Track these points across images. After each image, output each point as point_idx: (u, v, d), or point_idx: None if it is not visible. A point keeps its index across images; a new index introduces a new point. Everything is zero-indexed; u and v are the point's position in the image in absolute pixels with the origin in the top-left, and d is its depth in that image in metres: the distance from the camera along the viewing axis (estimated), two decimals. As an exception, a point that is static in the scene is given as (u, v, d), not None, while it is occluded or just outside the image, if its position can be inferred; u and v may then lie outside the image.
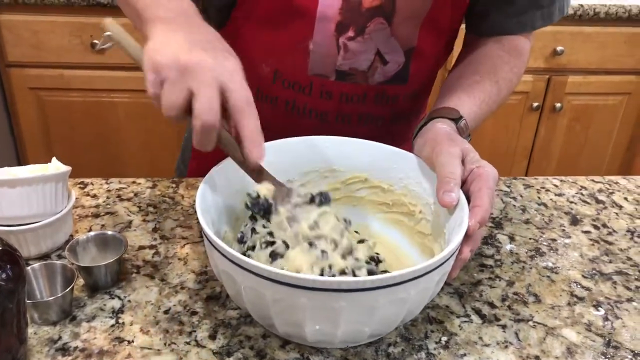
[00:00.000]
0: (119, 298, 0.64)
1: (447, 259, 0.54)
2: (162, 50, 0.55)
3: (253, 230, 0.63)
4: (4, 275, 0.49)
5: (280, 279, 0.50)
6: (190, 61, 0.54)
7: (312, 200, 0.63)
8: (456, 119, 0.72)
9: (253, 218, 0.64)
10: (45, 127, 1.97)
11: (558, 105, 2.04)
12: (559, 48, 1.94)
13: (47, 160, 0.72)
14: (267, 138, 0.68)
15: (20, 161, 2.04)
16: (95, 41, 1.81)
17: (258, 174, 0.62)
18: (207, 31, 0.61)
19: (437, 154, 0.64)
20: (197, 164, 0.95)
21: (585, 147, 2.15)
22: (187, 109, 0.54)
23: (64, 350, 0.57)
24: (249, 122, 0.55)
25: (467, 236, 0.57)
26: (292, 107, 0.81)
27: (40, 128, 1.97)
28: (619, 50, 1.98)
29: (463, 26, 0.87)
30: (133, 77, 1.89)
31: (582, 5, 1.87)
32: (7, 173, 0.68)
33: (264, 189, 0.62)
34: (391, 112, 0.84)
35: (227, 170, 0.65)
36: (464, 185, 0.62)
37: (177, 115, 0.55)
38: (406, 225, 0.71)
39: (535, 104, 2.03)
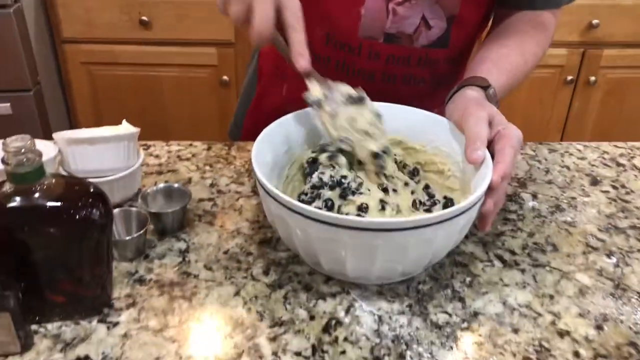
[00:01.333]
0: (184, 241, 0.74)
1: (471, 207, 0.62)
2: None
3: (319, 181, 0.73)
4: (98, 213, 0.59)
5: (326, 219, 0.58)
6: None
7: (349, 100, 0.73)
8: (485, 86, 0.79)
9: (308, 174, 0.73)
10: (96, 99, 2.10)
11: (592, 78, 2.06)
12: (594, 21, 1.95)
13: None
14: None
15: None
16: (144, 17, 1.91)
17: (305, 74, 0.72)
18: None
19: (466, 117, 0.72)
20: (253, 124, 1.03)
21: (619, 121, 2.16)
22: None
23: (141, 281, 0.68)
24: (297, 35, 0.66)
25: (491, 189, 0.65)
26: (342, 67, 0.90)
27: (91, 100, 2.10)
28: (657, 23, 1.98)
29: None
30: (179, 52, 1.99)
31: (618, -22, 1.88)
32: (86, 133, 0.79)
33: (314, 90, 0.72)
34: (432, 74, 0.91)
35: (276, 132, 0.74)
36: (490, 145, 0.70)
37: (241, 21, 0.65)
38: (437, 182, 0.78)
39: (570, 78, 2.06)
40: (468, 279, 0.69)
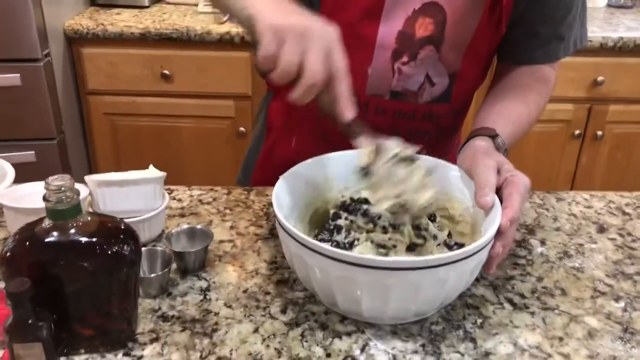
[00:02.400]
0: (206, 280, 0.77)
1: (481, 249, 0.65)
2: (279, 14, 0.63)
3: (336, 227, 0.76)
4: (128, 249, 0.62)
5: (344, 258, 0.62)
6: (307, 25, 0.63)
7: (401, 159, 0.72)
8: (493, 135, 0.83)
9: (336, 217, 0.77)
10: (117, 148, 2.17)
11: (599, 133, 2.10)
12: (599, 78, 2.02)
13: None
14: (327, 151, 0.82)
15: (93, 179, 2.23)
16: (166, 71, 2.00)
17: (351, 128, 0.69)
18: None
19: (475, 165, 0.76)
20: (261, 175, 1.08)
21: (626, 174, 2.19)
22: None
23: (164, 317, 0.70)
24: (344, 84, 0.65)
25: (500, 233, 0.68)
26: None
27: (112, 149, 2.17)
28: (660, 81, 2.04)
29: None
30: (198, 105, 2.07)
31: (622, 38, 1.95)
32: (115, 176, 0.83)
33: (363, 155, 0.71)
34: (436, 127, 0.96)
35: (297, 176, 0.78)
36: (498, 191, 0.73)
37: (291, 74, 0.63)
38: (448, 227, 0.82)
39: (577, 132, 2.11)
40: (479, 321, 0.71)
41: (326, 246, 0.63)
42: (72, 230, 0.60)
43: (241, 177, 1.18)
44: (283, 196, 0.76)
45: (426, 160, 0.78)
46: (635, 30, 2.02)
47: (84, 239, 0.61)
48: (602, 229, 0.91)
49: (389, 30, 0.87)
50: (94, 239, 0.61)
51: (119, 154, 2.17)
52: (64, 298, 0.62)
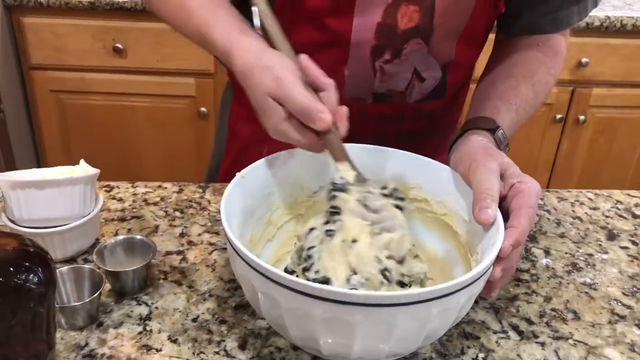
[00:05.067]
0: (146, 304, 0.63)
1: (474, 281, 0.52)
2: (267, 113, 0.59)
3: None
4: (35, 279, 0.47)
5: (294, 286, 0.48)
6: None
7: (385, 194, 0.62)
8: (493, 129, 0.70)
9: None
10: (66, 130, 1.98)
11: (582, 117, 2.01)
12: (584, 60, 1.91)
13: (67, 162, 0.71)
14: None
15: (40, 163, 2.05)
16: (118, 45, 1.82)
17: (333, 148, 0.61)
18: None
19: (473, 169, 0.62)
20: (231, 163, 0.92)
21: (608, 161, 2.11)
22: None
23: (91, 356, 0.56)
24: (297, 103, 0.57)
25: (500, 258, 0.55)
26: None
27: (60, 131, 1.98)
28: (646, 63, 1.95)
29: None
30: (153, 82, 1.90)
31: (608, 17, 1.85)
32: (35, 174, 0.68)
33: (346, 173, 0.61)
34: (428, 126, 0.82)
35: (256, 173, 0.64)
36: (504, 201, 0.60)
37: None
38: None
39: (559, 116, 2.01)
40: (481, 355, 0.59)
41: (273, 268, 0.49)
42: (-43, 257, 0.45)
43: (212, 163, 1.01)
44: (237, 200, 0.61)
45: (394, 152, 0.69)
46: (622, 9, 1.91)
47: (-28, 269, 0.45)
48: (612, 236, 0.79)
49: (365, 23, 0.72)
50: (-13, 269, 0.46)
51: (67, 136, 1.98)
52: (-51, 344, 0.47)
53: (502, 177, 0.61)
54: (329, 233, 0.59)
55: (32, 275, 0.47)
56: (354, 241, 0.57)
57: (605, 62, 1.94)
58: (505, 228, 0.56)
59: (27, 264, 0.48)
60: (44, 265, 0.49)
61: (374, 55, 0.75)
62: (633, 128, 2.06)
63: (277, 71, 0.58)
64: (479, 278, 0.52)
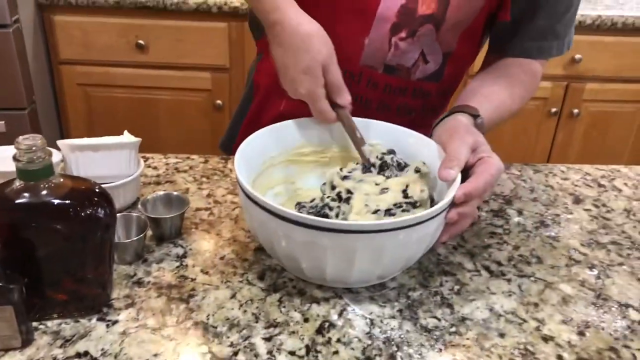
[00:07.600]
0: (182, 247, 0.76)
1: (436, 215, 0.64)
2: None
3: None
4: (102, 212, 0.61)
5: (307, 221, 0.61)
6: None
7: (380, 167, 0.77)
8: (476, 115, 0.82)
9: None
10: (90, 120, 2.12)
11: (576, 111, 2.12)
12: (577, 56, 2.03)
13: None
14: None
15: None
16: (140, 41, 1.96)
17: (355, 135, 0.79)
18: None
19: (452, 139, 0.75)
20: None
21: (601, 153, 2.22)
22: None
23: (139, 283, 0.69)
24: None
25: (456, 205, 0.67)
26: None
27: (85, 121, 2.12)
28: (636, 59, 2.06)
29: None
30: (174, 76, 2.03)
31: (600, 16, 1.96)
32: (89, 140, 0.81)
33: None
34: (424, 105, 0.95)
35: (267, 137, 0.78)
36: (470, 169, 0.72)
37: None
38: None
39: (554, 110, 2.12)
40: (456, 287, 0.71)
41: (288, 210, 0.62)
42: (44, 192, 0.58)
43: (225, 140, 1.15)
44: (250, 157, 0.74)
45: (386, 126, 0.83)
46: (613, 9, 2.03)
47: (56, 201, 0.59)
48: (577, 200, 0.92)
49: (391, 2, 0.86)
50: (67, 201, 0.59)
51: (92, 126, 2.13)
52: (36, 262, 0.60)
53: (475, 152, 0.73)
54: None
55: (100, 208, 0.61)
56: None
57: (597, 58, 2.05)
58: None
59: (96, 199, 0.61)
60: (108, 202, 0.62)
61: (392, 31, 0.88)
62: (624, 121, 2.17)
63: (332, 48, 0.76)
64: (439, 213, 0.65)
